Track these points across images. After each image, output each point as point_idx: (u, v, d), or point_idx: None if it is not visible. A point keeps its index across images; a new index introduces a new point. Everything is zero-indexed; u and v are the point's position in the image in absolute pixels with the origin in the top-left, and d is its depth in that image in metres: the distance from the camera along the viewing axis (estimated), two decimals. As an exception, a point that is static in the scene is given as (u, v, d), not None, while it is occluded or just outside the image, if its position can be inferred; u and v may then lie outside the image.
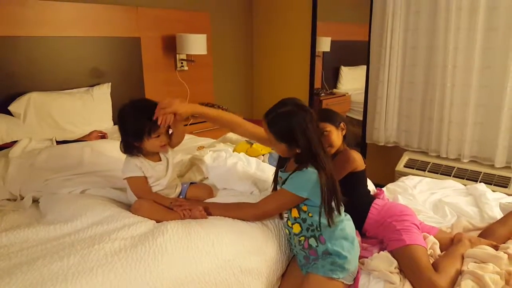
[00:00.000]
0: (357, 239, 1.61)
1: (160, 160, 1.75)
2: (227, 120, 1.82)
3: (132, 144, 1.65)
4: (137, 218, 1.57)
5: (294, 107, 1.51)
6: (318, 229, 1.54)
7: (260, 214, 1.62)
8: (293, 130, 1.48)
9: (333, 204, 1.51)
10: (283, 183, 1.56)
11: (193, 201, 1.75)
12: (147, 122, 1.60)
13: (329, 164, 1.51)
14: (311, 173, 1.49)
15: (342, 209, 1.56)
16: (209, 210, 1.66)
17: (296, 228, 1.58)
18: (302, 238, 1.57)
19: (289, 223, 1.61)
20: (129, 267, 1.30)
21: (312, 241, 1.56)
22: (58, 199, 1.73)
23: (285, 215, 1.62)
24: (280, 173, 1.65)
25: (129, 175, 1.67)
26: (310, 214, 1.54)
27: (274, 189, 1.70)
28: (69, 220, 1.54)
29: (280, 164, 1.68)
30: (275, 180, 1.70)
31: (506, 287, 1.47)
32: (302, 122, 1.48)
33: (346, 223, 1.59)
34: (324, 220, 1.52)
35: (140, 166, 1.66)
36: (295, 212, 1.57)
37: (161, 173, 1.73)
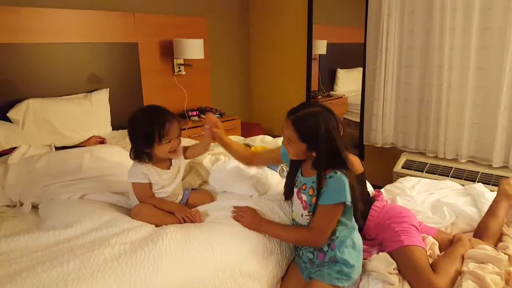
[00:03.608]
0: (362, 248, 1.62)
1: (169, 168, 1.75)
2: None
3: (142, 151, 1.65)
4: (137, 222, 1.58)
5: (321, 108, 1.50)
6: (333, 234, 1.53)
7: (316, 236, 1.53)
8: (319, 130, 1.45)
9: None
10: (317, 190, 1.50)
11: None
12: (158, 126, 1.60)
13: (350, 165, 1.50)
14: (341, 176, 1.45)
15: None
16: (264, 228, 1.63)
17: None
18: None
19: (301, 219, 1.59)
20: (129, 272, 1.30)
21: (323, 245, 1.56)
22: (57, 205, 1.74)
23: (301, 211, 1.59)
24: (300, 178, 1.60)
25: (134, 180, 1.68)
26: None
27: (286, 194, 1.67)
28: (68, 225, 1.54)
29: (294, 169, 1.64)
30: (289, 186, 1.65)
31: (506, 287, 1.48)
32: (330, 123, 1.46)
33: (355, 232, 1.60)
34: (340, 227, 1.53)
35: (146, 173, 1.67)
36: None
37: (167, 181, 1.74)
